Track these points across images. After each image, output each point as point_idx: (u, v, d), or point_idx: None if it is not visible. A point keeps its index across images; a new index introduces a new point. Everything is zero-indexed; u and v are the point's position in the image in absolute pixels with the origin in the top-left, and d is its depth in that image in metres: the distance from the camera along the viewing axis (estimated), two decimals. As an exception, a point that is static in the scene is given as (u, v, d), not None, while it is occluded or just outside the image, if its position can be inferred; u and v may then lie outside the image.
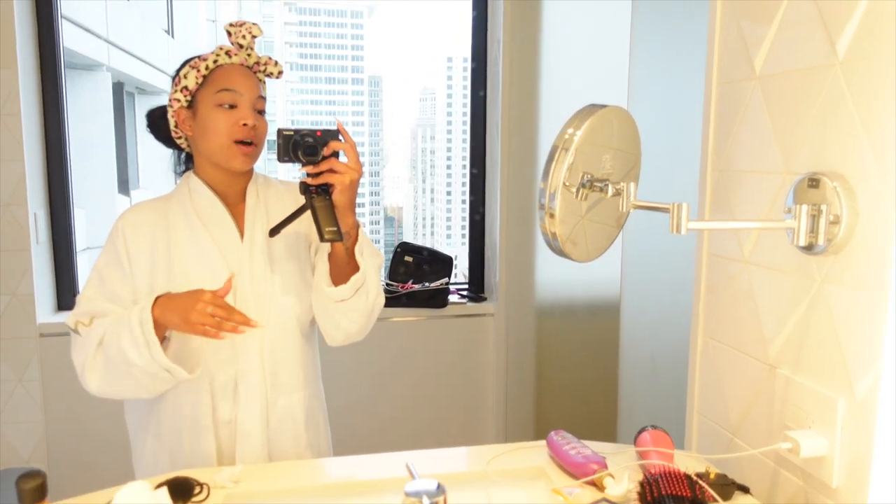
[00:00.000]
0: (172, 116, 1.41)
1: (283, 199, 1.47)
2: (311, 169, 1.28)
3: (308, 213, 1.30)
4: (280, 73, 1.46)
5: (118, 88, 7.59)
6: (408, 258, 2.90)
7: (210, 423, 1.38)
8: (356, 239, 1.34)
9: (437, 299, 2.82)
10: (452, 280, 2.95)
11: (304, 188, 1.30)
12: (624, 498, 1.09)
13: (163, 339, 1.32)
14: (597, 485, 1.14)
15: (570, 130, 1.00)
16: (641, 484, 1.06)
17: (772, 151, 1.10)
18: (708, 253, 1.31)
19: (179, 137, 1.45)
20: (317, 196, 1.29)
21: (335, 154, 1.29)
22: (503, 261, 2.82)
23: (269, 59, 1.44)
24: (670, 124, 1.87)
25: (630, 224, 1.16)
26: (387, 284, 2.84)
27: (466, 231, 3.14)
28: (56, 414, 2.56)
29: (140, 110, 8.30)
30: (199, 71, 1.37)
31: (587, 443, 1.25)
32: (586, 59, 2.51)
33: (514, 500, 1.17)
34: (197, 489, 1.13)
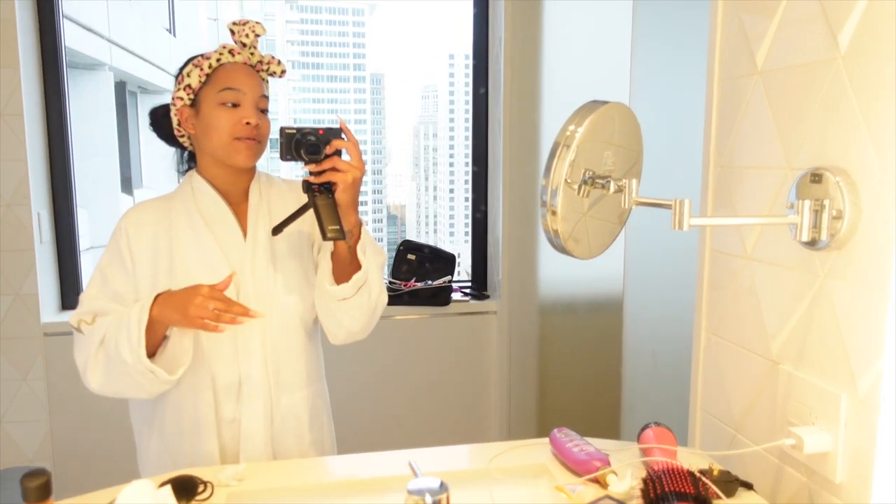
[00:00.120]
0: (175, 115, 1.41)
1: (285, 197, 1.47)
2: (313, 167, 1.28)
3: (311, 212, 1.30)
4: (283, 72, 1.46)
5: (120, 87, 7.59)
6: (410, 256, 2.90)
7: (213, 423, 1.38)
8: (359, 237, 1.34)
9: (439, 297, 2.82)
10: (455, 278, 2.95)
11: (307, 187, 1.30)
12: (627, 495, 1.09)
13: (162, 338, 1.33)
14: (600, 482, 1.14)
15: (572, 127, 1.00)
16: (644, 481, 1.06)
17: (774, 147, 1.09)
18: (710, 249, 1.31)
19: (182, 136, 1.45)
20: (319, 194, 1.29)
21: (338, 152, 1.29)
22: (506, 258, 2.82)
23: (273, 58, 1.44)
24: (672, 120, 1.86)
25: (632, 221, 1.16)
26: (389, 283, 2.84)
27: (469, 229, 3.14)
28: (60, 413, 2.57)
29: (142, 109, 8.30)
30: (202, 69, 1.38)
31: (590, 440, 1.25)
32: (588, 55, 2.51)
33: (517, 498, 1.17)
34: (201, 487, 1.13)
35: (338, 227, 1.27)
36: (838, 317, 0.96)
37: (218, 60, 1.39)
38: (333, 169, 1.28)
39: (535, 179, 2.75)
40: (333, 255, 1.36)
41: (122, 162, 7.26)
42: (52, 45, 2.54)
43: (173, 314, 1.28)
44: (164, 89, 8.48)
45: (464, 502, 1.10)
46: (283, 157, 1.29)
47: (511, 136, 2.75)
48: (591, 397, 2.67)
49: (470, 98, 2.99)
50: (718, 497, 1.04)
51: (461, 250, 3.24)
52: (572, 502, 1.11)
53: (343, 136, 1.29)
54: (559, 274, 2.76)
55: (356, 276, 1.33)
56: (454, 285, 2.94)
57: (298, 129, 1.28)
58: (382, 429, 2.85)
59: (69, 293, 2.67)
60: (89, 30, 6.33)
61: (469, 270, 3.12)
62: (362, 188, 1.34)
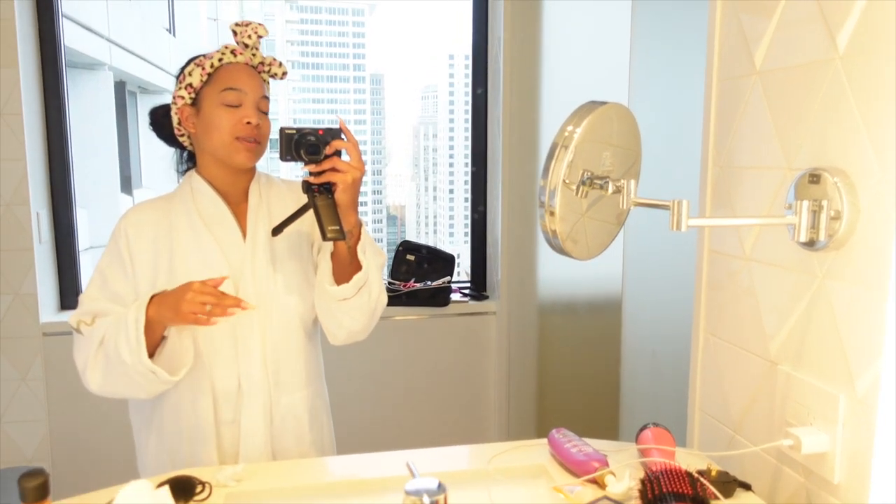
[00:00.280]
0: (176, 113, 1.41)
1: (285, 198, 1.48)
2: (313, 168, 1.28)
3: (310, 212, 1.30)
4: (284, 74, 1.47)
5: (120, 87, 7.59)
6: (410, 257, 2.90)
7: (212, 423, 1.38)
8: (358, 238, 1.34)
9: (438, 298, 2.82)
10: (455, 278, 2.95)
11: (307, 187, 1.30)
12: (625, 496, 1.09)
13: (161, 339, 1.33)
14: (598, 483, 1.14)
15: (570, 128, 1.00)
16: (643, 481, 1.06)
17: (772, 147, 1.10)
18: (709, 249, 1.31)
19: (182, 135, 1.45)
20: (319, 195, 1.29)
21: (337, 153, 1.29)
22: (505, 259, 2.82)
23: (274, 59, 1.45)
24: (671, 121, 1.86)
25: (631, 221, 1.16)
26: (388, 283, 2.84)
27: (469, 229, 3.14)
28: (59, 413, 2.57)
29: (142, 109, 8.30)
30: (203, 69, 1.38)
31: (588, 440, 1.25)
32: (586, 56, 2.51)
33: (516, 499, 1.17)
34: (199, 488, 1.13)
35: (338, 227, 1.27)
36: (836, 317, 0.96)
37: (220, 60, 1.39)
38: (333, 169, 1.28)
39: (534, 180, 2.75)
40: (333, 255, 1.36)
41: (121, 162, 7.26)
42: (51, 44, 2.54)
43: (167, 312, 1.28)
44: (164, 89, 8.48)
45: (462, 503, 1.10)
46: (283, 158, 1.29)
47: (510, 137, 2.75)
48: (590, 398, 2.67)
49: (469, 98, 2.99)
50: (716, 498, 1.04)
51: (461, 251, 3.24)
52: (570, 503, 1.11)
53: (343, 136, 1.29)
54: (558, 274, 2.76)
55: (356, 277, 1.33)
56: (453, 286, 2.94)
57: (298, 130, 1.28)
58: (381, 429, 2.85)
59: (68, 293, 2.67)
60: (89, 29, 6.33)
61: (468, 271, 3.12)
62: (362, 188, 1.34)
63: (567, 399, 2.79)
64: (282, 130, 1.28)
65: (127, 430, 1.50)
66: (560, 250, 1.05)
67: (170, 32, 9.63)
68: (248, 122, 1.36)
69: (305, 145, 1.27)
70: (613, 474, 1.13)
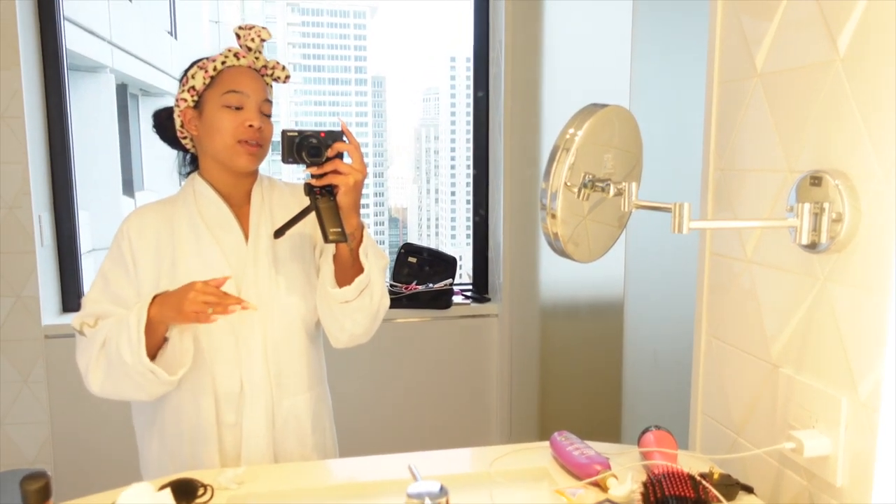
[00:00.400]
0: (178, 116, 1.42)
1: (287, 200, 1.48)
2: (315, 170, 1.28)
3: (313, 215, 1.30)
4: (287, 77, 1.47)
5: (122, 90, 7.60)
6: (411, 259, 2.90)
7: (213, 426, 1.38)
8: (361, 240, 1.34)
9: (440, 300, 2.82)
10: (456, 281, 2.95)
11: (309, 189, 1.30)
12: (627, 499, 1.09)
13: (163, 340, 1.33)
14: (600, 485, 1.14)
15: (571, 130, 1.00)
16: (645, 484, 1.06)
17: (774, 149, 1.09)
18: (710, 252, 1.31)
19: (185, 138, 1.45)
20: (321, 197, 1.29)
21: (339, 155, 1.29)
22: (507, 261, 2.82)
23: (277, 63, 1.45)
24: (672, 123, 1.86)
25: (632, 224, 1.16)
26: (390, 286, 2.83)
27: (470, 232, 3.14)
28: (61, 415, 2.57)
29: (144, 112, 8.31)
30: (206, 71, 1.38)
31: (590, 443, 1.25)
32: (588, 58, 2.51)
33: (518, 502, 1.17)
34: (200, 490, 1.13)
35: (339, 229, 1.27)
36: (838, 320, 0.96)
37: (223, 63, 1.39)
38: (335, 172, 1.27)
39: (536, 182, 2.75)
40: (335, 257, 1.36)
41: (123, 164, 7.27)
42: (53, 47, 2.54)
43: (170, 312, 1.28)
44: (166, 92, 8.48)
45: (464, 505, 1.10)
46: (285, 160, 1.29)
47: (511, 139, 2.75)
48: (592, 400, 2.67)
49: (471, 101, 2.99)
50: (719, 501, 1.03)
51: (463, 253, 3.24)
52: (572, 505, 1.11)
53: (344, 138, 1.29)
54: (560, 277, 2.76)
55: (358, 279, 1.33)
56: (455, 288, 2.94)
57: (300, 132, 1.29)
58: (383, 432, 2.85)
59: (70, 295, 2.68)
60: (90, 32, 6.34)
61: (470, 273, 3.12)
62: (364, 191, 1.34)
63: (569, 402, 2.79)
64: (284, 133, 1.28)
65: (129, 432, 1.50)
66: (562, 253, 1.05)
67: (171, 35, 9.64)
68: (251, 125, 1.36)
69: (307, 148, 1.27)
70: (616, 477, 1.13)
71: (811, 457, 0.98)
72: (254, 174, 1.46)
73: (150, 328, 1.29)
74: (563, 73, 2.63)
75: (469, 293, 3.02)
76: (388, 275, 2.87)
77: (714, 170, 1.28)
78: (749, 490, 1.12)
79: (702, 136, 1.32)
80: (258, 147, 1.39)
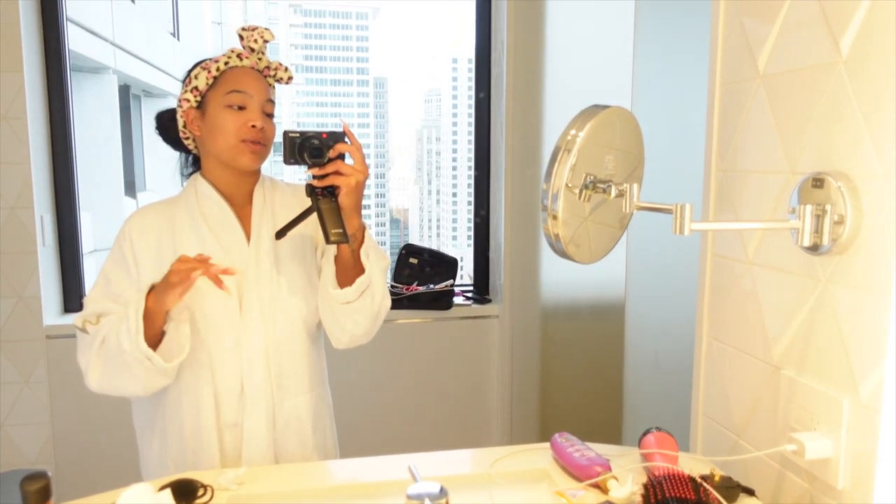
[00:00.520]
0: (181, 116, 1.42)
1: (289, 201, 1.48)
2: (317, 171, 1.28)
3: (314, 216, 1.30)
4: (290, 78, 1.47)
5: (124, 91, 7.61)
6: (412, 260, 2.90)
7: (213, 426, 1.38)
8: (362, 241, 1.34)
9: (441, 301, 2.82)
10: (457, 282, 2.95)
11: (310, 190, 1.30)
12: (628, 500, 1.09)
13: (162, 333, 1.32)
14: (601, 487, 1.13)
15: (573, 132, 1.00)
16: (645, 486, 1.06)
17: (776, 151, 1.09)
18: (712, 254, 1.31)
19: (188, 138, 1.45)
20: (322, 198, 1.29)
21: (341, 156, 1.29)
22: (508, 262, 2.82)
23: (280, 64, 1.45)
24: (674, 124, 1.86)
25: (634, 225, 1.15)
26: (391, 286, 2.84)
27: (472, 233, 3.14)
28: (63, 416, 2.57)
29: (146, 113, 8.32)
30: (209, 72, 1.38)
31: (591, 445, 1.24)
32: (589, 59, 2.51)
33: (518, 503, 1.17)
34: (200, 491, 1.13)
35: (341, 230, 1.27)
36: (840, 322, 0.96)
37: (226, 64, 1.39)
38: (337, 172, 1.28)
39: (537, 184, 2.75)
40: (337, 258, 1.36)
41: (125, 165, 7.28)
42: (55, 48, 2.55)
43: (162, 294, 1.26)
44: (168, 93, 8.50)
45: (464, 507, 1.10)
46: (287, 161, 1.29)
47: (513, 140, 2.75)
48: (593, 402, 2.66)
49: (472, 102, 2.99)
50: (720, 503, 1.03)
51: (464, 254, 3.24)
52: (573, 507, 1.11)
53: (346, 139, 1.29)
54: (561, 278, 2.76)
55: (359, 280, 1.33)
56: (456, 289, 2.94)
57: (302, 133, 1.29)
58: (383, 433, 2.85)
59: (72, 296, 2.68)
60: (93, 33, 6.35)
61: (471, 274, 3.12)
62: (365, 192, 1.34)
63: (570, 403, 2.79)
64: (285, 134, 1.29)
65: (130, 432, 1.50)
66: (563, 254, 1.05)
67: (174, 36, 9.66)
68: (253, 126, 1.36)
69: (309, 149, 1.27)
70: (616, 479, 1.13)
71: (812, 459, 0.97)
72: (256, 175, 1.46)
73: (148, 318, 1.28)
74: (564, 74, 2.63)
75: (470, 294, 3.02)
76: (389, 276, 2.87)
77: (716, 171, 1.28)
78: (750, 492, 1.12)
79: (703, 137, 1.32)
80: (261, 147, 1.39)
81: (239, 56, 1.40)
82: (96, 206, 6.28)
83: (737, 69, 1.21)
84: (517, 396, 2.89)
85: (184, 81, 1.42)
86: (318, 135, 1.28)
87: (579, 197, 1.01)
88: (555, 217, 1.00)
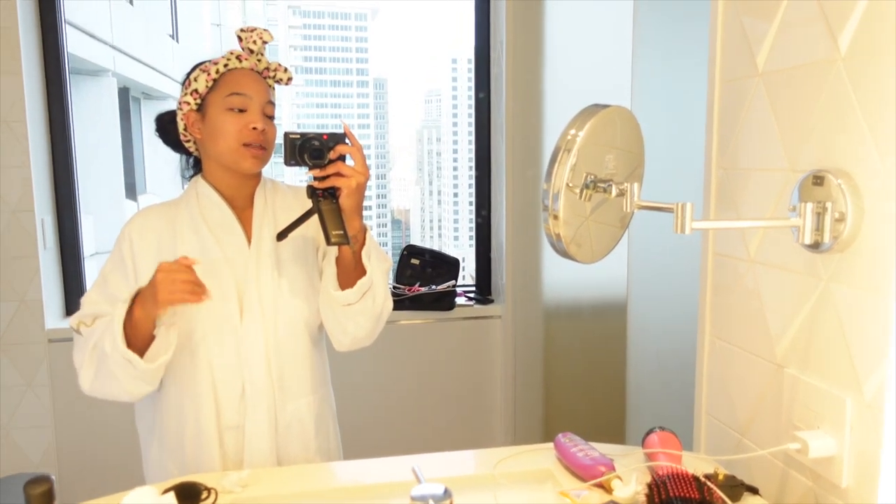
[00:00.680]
0: (181, 119, 1.42)
1: (290, 203, 1.47)
2: (317, 172, 1.28)
3: (315, 217, 1.30)
4: (289, 79, 1.47)
5: (124, 93, 7.62)
6: (414, 261, 2.90)
7: (213, 429, 1.37)
8: (363, 243, 1.34)
9: (443, 302, 2.82)
10: (459, 282, 2.94)
11: (311, 192, 1.30)
12: (632, 500, 1.09)
13: (151, 338, 1.32)
14: (605, 487, 1.13)
15: (573, 131, 1.00)
16: (649, 486, 1.06)
17: (776, 149, 1.09)
18: (713, 252, 1.31)
19: (188, 141, 1.45)
20: (323, 200, 1.29)
21: (342, 157, 1.29)
22: (509, 263, 2.82)
23: (280, 65, 1.45)
24: (674, 123, 1.86)
25: (635, 224, 1.15)
26: (393, 287, 2.83)
27: (473, 233, 3.14)
28: (65, 419, 2.57)
29: (146, 115, 8.33)
30: (209, 74, 1.38)
31: (595, 445, 1.24)
32: (589, 59, 2.51)
33: (522, 503, 1.16)
34: (204, 494, 1.13)
35: (342, 232, 1.27)
36: (842, 320, 0.96)
37: (226, 66, 1.39)
38: (337, 174, 1.27)
39: (538, 183, 2.75)
40: (338, 260, 1.36)
41: (125, 167, 7.29)
42: (54, 51, 2.55)
43: (149, 304, 1.26)
44: (168, 95, 8.50)
45: (468, 508, 1.10)
46: (287, 163, 1.29)
47: (513, 140, 2.75)
48: (596, 402, 2.66)
49: (472, 102, 2.99)
50: (724, 502, 1.03)
51: (465, 254, 3.24)
52: (577, 507, 1.10)
53: (347, 141, 1.29)
54: (563, 278, 2.76)
55: (361, 282, 1.33)
56: (458, 290, 2.93)
57: (302, 135, 1.29)
58: (386, 434, 2.85)
59: (73, 299, 2.68)
60: (92, 36, 6.36)
61: (473, 275, 3.11)
62: (366, 193, 1.34)
63: (573, 403, 2.79)
64: (286, 135, 1.28)
65: (133, 436, 1.50)
66: (564, 254, 1.05)
67: (173, 38, 9.67)
68: (254, 128, 1.36)
69: (310, 150, 1.27)
70: (620, 478, 1.13)
71: (816, 457, 0.97)
72: (257, 177, 1.46)
73: (136, 325, 1.27)
74: (564, 73, 2.62)
75: (472, 294, 3.02)
76: (391, 277, 2.87)
77: (716, 169, 1.28)
78: (754, 491, 1.11)
79: (703, 135, 1.32)
80: (262, 150, 1.38)
81: (238, 58, 1.40)
82: (97, 208, 6.29)
83: (736, 67, 1.21)
84: (520, 397, 2.89)
85: (183, 84, 1.42)
86: (318, 136, 1.28)
87: (580, 197, 1.01)
88: (556, 217, 1.00)
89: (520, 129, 2.74)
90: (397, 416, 2.86)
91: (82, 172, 2.72)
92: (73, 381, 1.40)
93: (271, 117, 1.41)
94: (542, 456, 1.28)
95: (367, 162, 1.32)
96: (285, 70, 1.46)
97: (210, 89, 1.39)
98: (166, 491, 1.07)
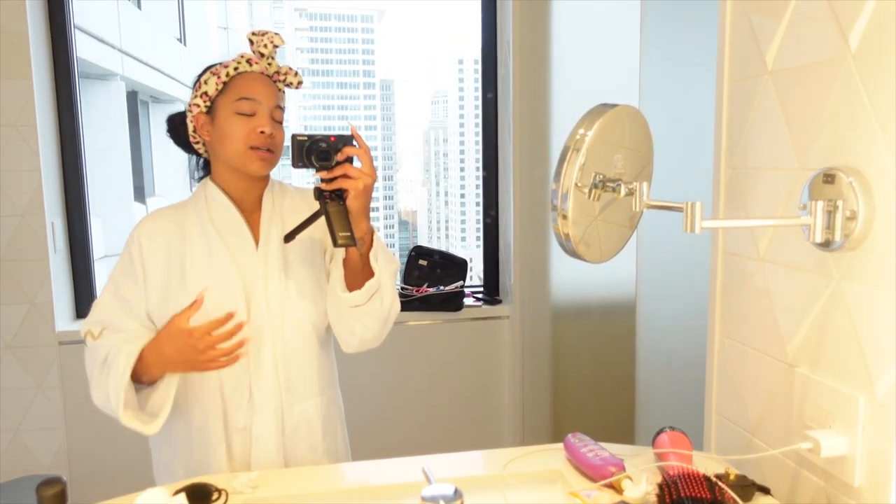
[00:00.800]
0: (191, 121, 1.42)
1: (298, 205, 1.48)
2: (324, 174, 1.28)
3: (323, 219, 1.30)
4: (300, 83, 1.47)
5: (132, 97, 7.65)
6: (422, 262, 2.90)
7: (221, 431, 1.38)
8: (371, 244, 1.34)
9: (451, 302, 2.82)
10: (468, 283, 2.94)
11: (318, 193, 1.30)
12: (642, 500, 1.08)
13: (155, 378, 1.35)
14: (615, 487, 1.13)
15: (581, 131, 1.00)
16: (660, 486, 1.05)
17: (786, 147, 1.09)
18: (723, 251, 1.30)
19: (197, 142, 1.46)
20: (331, 201, 1.29)
21: (349, 159, 1.29)
22: (517, 263, 2.82)
23: (290, 69, 1.45)
24: (682, 122, 1.86)
25: (644, 224, 1.15)
26: (401, 288, 2.84)
27: (481, 234, 3.14)
28: (76, 421, 2.58)
29: (154, 118, 8.36)
30: (219, 77, 1.38)
31: (605, 445, 1.24)
32: (596, 58, 2.50)
33: (532, 503, 1.16)
34: (215, 495, 1.13)
35: (349, 233, 1.27)
36: (854, 318, 0.95)
37: (235, 69, 1.39)
38: (345, 176, 1.28)
39: (546, 183, 2.74)
40: (345, 262, 1.36)
41: (134, 170, 7.32)
42: (63, 55, 2.56)
43: (174, 364, 1.32)
44: (176, 98, 8.54)
45: (478, 508, 1.10)
46: (295, 164, 1.29)
47: (521, 141, 2.74)
48: (606, 402, 2.65)
49: (479, 102, 2.99)
50: (735, 502, 1.03)
51: (473, 255, 3.24)
52: (587, 508, 1.10)
53: (354, 142, 1.29)
54: (571, 278, 2.75)
55: (368, 284, 1.33)
56: (466, 290, 2.93)
57: (310, 136, 1.29)
58: (395, 435, 2.85)
59: (83, 301, 2.69)
60: (101, 40, 6.39)
61: (481, 275, 3.11)
62: (373, 194, 1.34)
63: (582, 403, 2.78)
64: (293, 137, 1.29)
65: (143, 437, 1.50)
66: (573, 254, 1.05)
67: (180, 42, 9.70)
68: (262, 132, 1.36)
69: (317, 152, 1.27)
70: (630, 479, 1.12)
71: (828, 457, 0.97)
72: (265, 179, 1.47)
73: (145, 365, 1.32)
74: (571, 73, 2.62)
75: (480, 295, 3.02)
76: (398, 278, 2.87)
77: (726, 168, 1.28)
78: (766, 491, 1.11)
79: (713, 134, 1.31)
80: (270, 153, 1.39)
81: (249, 61, 1.40)
82: (106, 211, 6.32)
83: (745, 66, 1.20)
84: (529, 397, 2.89)
85: (194, 86, 1.42)
86: (325, 138, 1.28)
87: (589, 196, 1.01)
88: (565, 217, 1.00)
89: (527, 129, 2.74)
90: (405, 417, 2.86)
91: (91, 175, 2.73)
92: (84, 384, 1.41)
93: (280, 121, 1.41)
94: (551, 456, 1.28)
95: (374, 163, 1.32)
96: (296, 73, 1.46)
97: (220, 92, 1.39)
98: (177, 492, 1.07)
